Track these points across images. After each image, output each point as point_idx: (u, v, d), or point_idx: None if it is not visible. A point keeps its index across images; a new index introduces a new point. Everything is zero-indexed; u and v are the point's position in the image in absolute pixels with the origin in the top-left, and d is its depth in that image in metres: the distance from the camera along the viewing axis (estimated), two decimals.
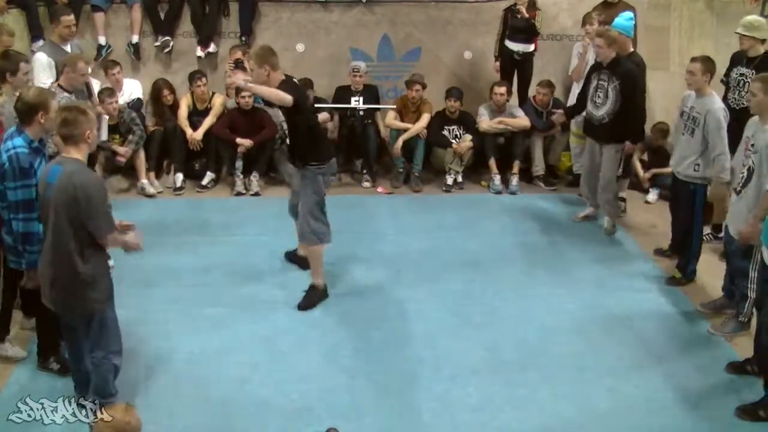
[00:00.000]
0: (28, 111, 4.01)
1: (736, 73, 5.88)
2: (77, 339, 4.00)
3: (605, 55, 6.08)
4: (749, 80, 5.70)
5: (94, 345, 3.90)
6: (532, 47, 7.68)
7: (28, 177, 3.96)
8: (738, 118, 5.57)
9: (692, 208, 5.50)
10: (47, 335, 4.44)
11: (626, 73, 6.07)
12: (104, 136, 6.80)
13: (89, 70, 5.75)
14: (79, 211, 3.61)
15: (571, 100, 7.24)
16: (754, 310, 4.57)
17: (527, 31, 7.54)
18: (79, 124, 3.68)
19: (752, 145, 4.64)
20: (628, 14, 6.71)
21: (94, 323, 3.85)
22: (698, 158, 5.35)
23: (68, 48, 6.07)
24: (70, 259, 3.69)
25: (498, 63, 7.79)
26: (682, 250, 5.74)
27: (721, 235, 5.90)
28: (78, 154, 3.71)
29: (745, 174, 4.68)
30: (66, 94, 5.31)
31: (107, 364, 3.94)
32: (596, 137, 6.35)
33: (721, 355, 4.75)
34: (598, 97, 6.18)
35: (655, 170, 7.24)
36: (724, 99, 5.88)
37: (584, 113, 6.55)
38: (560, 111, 7.03)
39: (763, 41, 5.80)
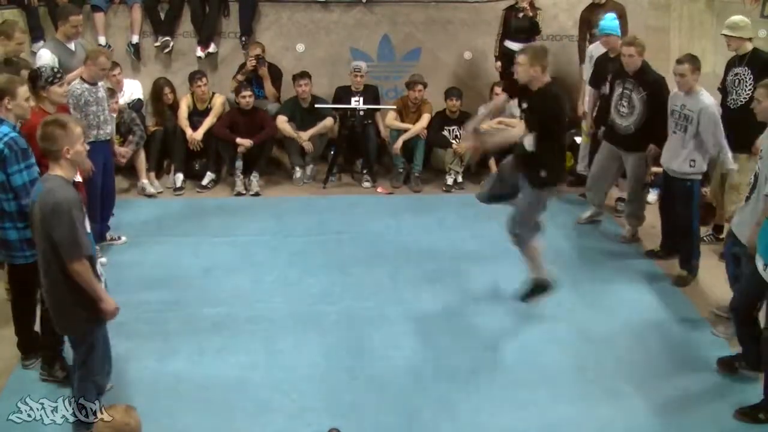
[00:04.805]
0: None
1: (732, 75, 5.87)
2: None
3: (635, 64, 5.84)
4: (743, 77, 5.72)
5: (79, 363, 3.77)
6: None
7: (29, 157, 4.11)
8: (735, 118, 5.57)
9: (690, 204, 5.51)
10: (53, 343, 4.34)
11: (654, 83, 5.85)
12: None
13: (110, 65, 6.06)
14: (50, 229, 3.44)
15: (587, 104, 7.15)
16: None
17: (529, 31, 7.54)
18: (57, 140, 3.48)
19: (761, 151, 4.58)
20: (612, 15, 6.72)
21: (80, 343, 3.74)
22: (693, 154, 5.37)
23: (72, 47, 6.08)
24: (56, 277, 3.55)
25: (499, 63, 7.78)
26: (682, 248, 5.71)
27: (722, 236, 5.91)
28: (60, 170, 3.52)
29: (752, 180, 4.62)
30: (87, 85, 5.58)
31: (88, 384, 3.77)
32: (618, 144, 6.15)
33: (721, 356, 4.74)
34: (623, 106, 5.97)
35: (655, 169, 7.22)
36: (723, 103, 5.86)
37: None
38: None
39: (750, 39, 5.83)
